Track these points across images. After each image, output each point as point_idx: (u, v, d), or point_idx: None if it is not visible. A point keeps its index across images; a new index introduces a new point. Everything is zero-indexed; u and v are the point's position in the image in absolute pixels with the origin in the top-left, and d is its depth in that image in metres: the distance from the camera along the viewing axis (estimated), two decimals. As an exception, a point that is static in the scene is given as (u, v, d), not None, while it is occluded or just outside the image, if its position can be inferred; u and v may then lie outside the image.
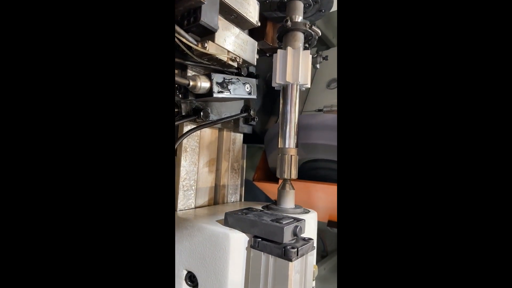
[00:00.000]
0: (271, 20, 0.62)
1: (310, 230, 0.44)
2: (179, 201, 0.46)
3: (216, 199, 0.54)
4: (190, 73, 0.43)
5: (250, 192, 0.90)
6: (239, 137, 0.60)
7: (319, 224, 0.56)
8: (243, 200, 0.62)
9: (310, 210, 0.49)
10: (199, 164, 0.50)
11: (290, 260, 0.31)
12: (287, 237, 0.32)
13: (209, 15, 0.31)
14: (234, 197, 0.58)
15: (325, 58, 0.64)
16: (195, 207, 0.49)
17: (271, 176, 0.88)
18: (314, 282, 0.45)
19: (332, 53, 0.86)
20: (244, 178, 0.63)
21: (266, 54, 0.65)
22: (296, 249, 0.31)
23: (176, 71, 0.41)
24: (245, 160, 0.63)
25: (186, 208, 0.47)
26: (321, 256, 1.49)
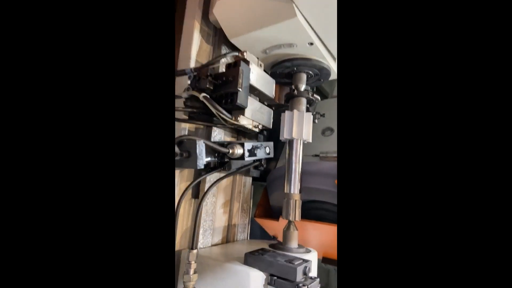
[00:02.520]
0: (278, 83, 0.74)
1: (313, 268, 0.52)
2: (199, 239, 0.53)
3: (228, 237, 0.61)
4: (214, 131, 0.53)
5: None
6: (249, 180, 0.68)
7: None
8: (248, 238, 0.69)
9: (311, 250, 0.57)
10: (216, 206, 0.58)
11: (302, 294, 0.38)
12: (299, 276, 0.39)
13: (243, 98, 0.42)
14: (242, 235, 0.65)
15: (323, 115, 0.76)
16: (211, 245, 0.56)
17: (270, 213, 0.95)
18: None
19: (327, 104, 0.99)
20: (251, 217, 0.70)
21: (272, 108, 0.76)
22: (306, 287, 0.39)
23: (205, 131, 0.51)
24: (251, 201, 0.71)
25: (204, 246, 0.54)
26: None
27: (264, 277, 0.42)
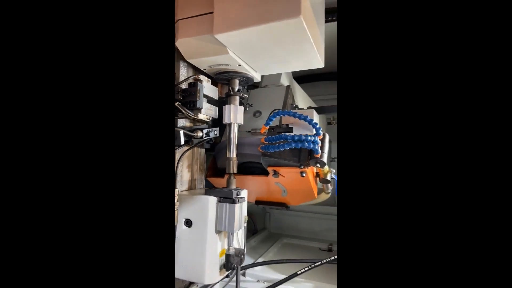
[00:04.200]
0: (220, 82, 1.06)
1: (244, 194, 0.92)
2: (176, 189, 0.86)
3: (191, 187, 0.96)
4: (180, 121, 0.85)
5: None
6: (203, 151, 1.02)
7: (250, 206, 1.02)
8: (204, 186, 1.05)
9: (244, 189, 0.96)
10: (183, 167, 0.91)
11: (235, 203, 0.76)
12: (234, 195, 0.77)
13: (199, 103, 0.74)
14: (200, 186, 1.01)
15: (251, 105, 1.13)
16: (182, 191, 0.90)
17: (217, 173, 1.32)
18: (245, 223, 0.91)
19: (257, 93, 1.35)
20: (205, 176, 1.06)
21: (217, 103, 1.09)
22: (238, 199, 0.77)
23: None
24: (205, 164, 1.06)
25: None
26: (252, 233, 1.99)
27: (216, 199, 0.79)
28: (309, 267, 1.09)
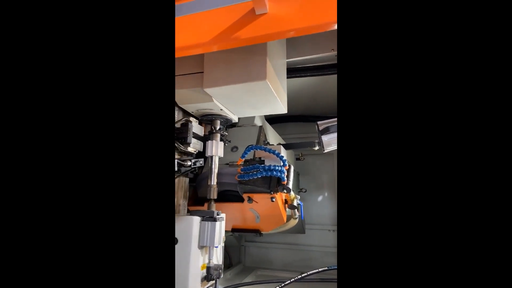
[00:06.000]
0: (204, 122, 1.28)
1: (221, 218, 1.07)
2: (163, 210, 1.00)
3: (175, 211, 1.10)
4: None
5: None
6: (187, 179, 1.18)
7: (226, 241, 1.14)
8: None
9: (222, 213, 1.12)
10: (170, 193, 1.06)
11: (216, 221, 0.91)
12: (215, 215, 0.93)
13: (189, 139, 0.94)
14: (184, 211, 1.14)
15: (229, 141, 1.34)
16: (168, 214, 1.03)
17: (198, 202, 1.45)
18: (223, 241, 1.04)
19: (235, 132, 1.58)
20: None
21: (202, 138, 1.29)
22: (218, 218, 0.93)
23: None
24: (188, 192, 1.21)
25: (165, 214, 1.01)
26: (227, 266, 2.04)
27: (199, 219, 0.94)
28: (280, 286, 1.21)
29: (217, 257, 0.97)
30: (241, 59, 0.88)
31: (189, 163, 0.97)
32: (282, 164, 1.16)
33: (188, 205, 1.42)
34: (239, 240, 2.28)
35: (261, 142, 1.53)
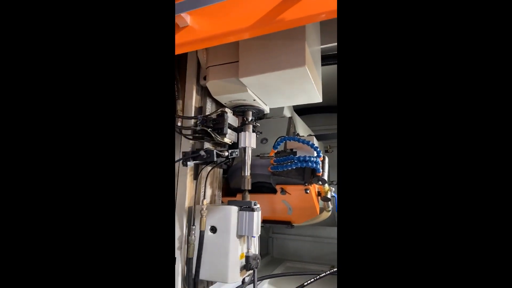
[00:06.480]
0: (236, 114, 1.27)
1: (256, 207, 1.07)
2: (204, 200, 1.02)
3: (211, 201, 1.11)
4: (205, 144, 1.03)
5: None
6: (221, 171, 1.19)
7: None
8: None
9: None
10: (207, 183, 1.07)
11: (254, 211, 0.91)
12: (253, 205, 0.93)
13: (225, 130, 0.94)
14: (219, 201, 1.16)
15: (261, 133, 1.33)
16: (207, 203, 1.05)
17: (229, 193, 1.47)
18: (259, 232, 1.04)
19: (266, 123, 1.56)
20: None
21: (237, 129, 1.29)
22: (255, 208, 0.92)
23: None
24: (222, 182, 1.22)
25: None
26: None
27: (237, 208, 0.94)
28: (315, 278, 1.20)
29: (255, 247, 0.97)
30: (277, 46, 0.85)
31: (226, 153, 0.97)
32: (316, 155, 1.13)
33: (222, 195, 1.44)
34: (267, 231, 2.29)
35: (291, 133, 1.50)
